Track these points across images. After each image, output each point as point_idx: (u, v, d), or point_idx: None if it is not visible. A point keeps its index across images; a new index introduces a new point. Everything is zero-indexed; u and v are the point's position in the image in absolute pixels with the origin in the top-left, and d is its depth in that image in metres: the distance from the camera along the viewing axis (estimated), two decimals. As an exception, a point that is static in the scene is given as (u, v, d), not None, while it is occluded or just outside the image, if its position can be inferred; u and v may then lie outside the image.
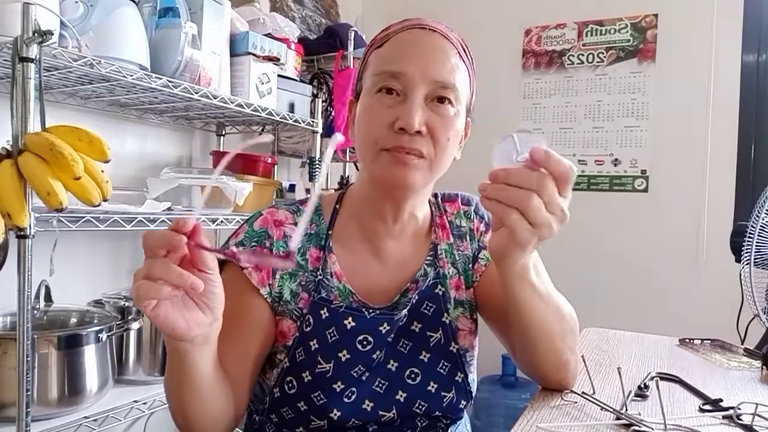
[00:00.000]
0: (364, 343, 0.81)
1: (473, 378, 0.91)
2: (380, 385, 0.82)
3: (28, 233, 1.02)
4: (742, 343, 1.29)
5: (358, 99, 0.84)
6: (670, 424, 0.77)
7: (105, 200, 1.12)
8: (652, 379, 0.97)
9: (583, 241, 2.41)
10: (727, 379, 1.03)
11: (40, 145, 1.01)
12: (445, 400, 0.85)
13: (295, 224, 0.84)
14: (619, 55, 2.39)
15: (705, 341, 1.29)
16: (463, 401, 0.87)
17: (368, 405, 0.81)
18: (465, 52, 0.83)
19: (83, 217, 1.14)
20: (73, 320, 1.35)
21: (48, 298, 1.32)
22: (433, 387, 0.84)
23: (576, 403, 0.86)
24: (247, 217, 0.88)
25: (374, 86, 0.77)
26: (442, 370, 0.85)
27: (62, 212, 1.04)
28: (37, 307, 1.27)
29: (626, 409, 0.82)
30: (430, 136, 0.76)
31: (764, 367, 1.06)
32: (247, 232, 0.84)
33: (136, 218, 1.25)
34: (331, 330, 0.80)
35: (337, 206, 0.88)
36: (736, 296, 1.29)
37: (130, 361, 1.41)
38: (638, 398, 0.89)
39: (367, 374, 0.82)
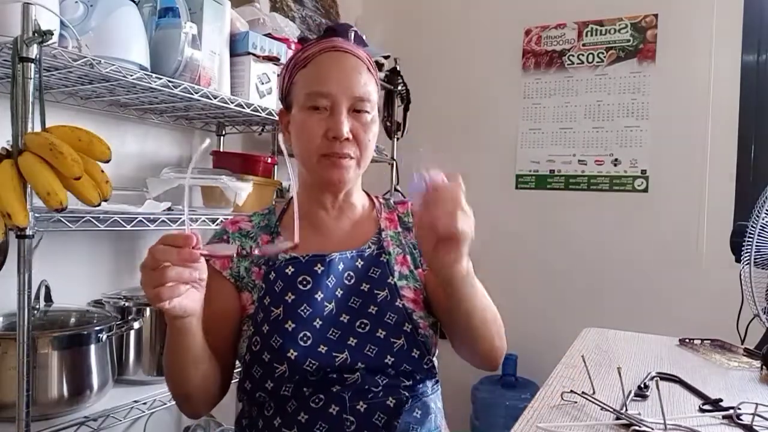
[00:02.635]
0: (304, 283, 0.94)
1: (428, 335, 0.97)
2: (333, 334, 0.92)
3: (28, 233, 1.02)
4: (742, 343, 1.29)
5: (288, 110, 0.99)
6: (670, 424, 0.77)
7: (105, 200, 1.12)
8: (652, 379, 0.98)
9: (583, 241, 2.41)
10: (727, 379, 1.03)
11: (40, 145, 1.01)
12: (395, 346, 0.92)
13: (250, 221, 1.04)
14: (619, 55, 2.39)
15: (705, 341, 1.29)
16: (415, 350, 0.93)
17: (322, 348, 0.91)
18: (370, 65, 0.99)
19: (83, 217, 1.14)
20: (73, 320, 1.35)
21: (48, 298, 1.32)
22: (381, 334, 0.93)
23: (576, 403, 0.86)
24: None
25: (306, 104, 0.94)
26: (389, 320, 0.94)
27: (62, 212, 1.04)
28: (37, 307, 1.27)
29: (626, 409, 0.82)
30: (355, 140, 0.93)
31: (764, 367, 1.06)
32: (212, 236, 1.04)
33: (136, 218, 1.25)
34: (278, 283, 0.95)
35: (285, 207, 1.06)
36: (736, 296, 1.29)
37: (130, 361, 1.41)
38: (638, 398, 0.90)
39: (320, 323, 0.92)
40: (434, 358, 0.97)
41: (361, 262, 0.98)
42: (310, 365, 0.89)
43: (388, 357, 0.92)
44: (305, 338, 0.90)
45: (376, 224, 1.04)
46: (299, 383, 0.90)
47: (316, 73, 0.94)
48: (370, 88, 0.96)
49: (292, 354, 0.89)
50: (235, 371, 1.02)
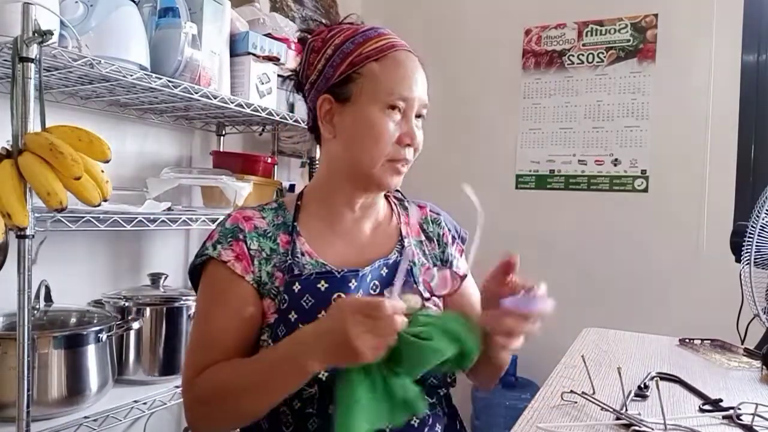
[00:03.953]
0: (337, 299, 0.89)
1: None
2: None
3: (28, 233, 1.02)
4: (742, 343, 1.29)
5: (338, 98, 0.90)
6: (670, 424, 0.77)
7: (105, 200, 1.12)
8: (652, 379, 0.98)
9: (582, 241, 2.41)
10: (727, 379, 1.03)
11: (40, 145, 1.01)
12: None
13: (263, 218, 0.94)
14: (619, 55, 2.39)
15: (705, 341, 1.29)
16: None
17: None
18: None
19: (83, 217, 1.14)
20: (73, 320, 1.35)
21: (48, 298, 1.32)
22: None
23: (576, 403, 0.87)
24: (219, 221, 0.98)
25: (384, 104, 0.88)
26: None
27: (62, 212, 1.04)
28: (37, 307, 1.27)
29: (626, 409, 0.82)
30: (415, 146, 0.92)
31: (764, 367, 1.06)
32: (220, 232, 0.93)
33: (136, 218, 1.25)
34: (305, 298, 0.88)
35: (299, 202, 0.99)
36: (736, 296, 1.29)
37: (130, 361, 1.41)
38: (638, 398, 0.90)
39: None
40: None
41: (386, 270, 0.95)
42: None
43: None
44: None
45: (397, 229, 1.01)
46: (325, 401, 0.86)
47: (399, 73, 0.89)
48: None
49: (323, 375, 0.83)
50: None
